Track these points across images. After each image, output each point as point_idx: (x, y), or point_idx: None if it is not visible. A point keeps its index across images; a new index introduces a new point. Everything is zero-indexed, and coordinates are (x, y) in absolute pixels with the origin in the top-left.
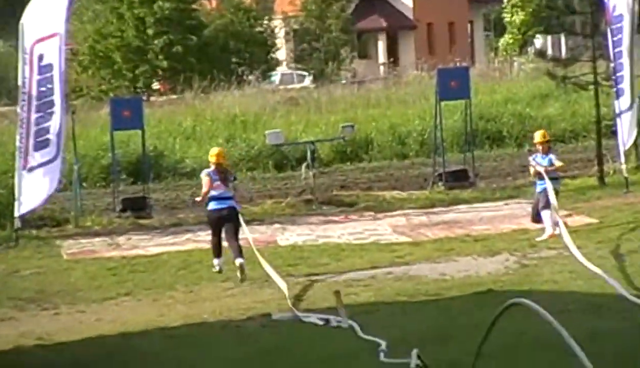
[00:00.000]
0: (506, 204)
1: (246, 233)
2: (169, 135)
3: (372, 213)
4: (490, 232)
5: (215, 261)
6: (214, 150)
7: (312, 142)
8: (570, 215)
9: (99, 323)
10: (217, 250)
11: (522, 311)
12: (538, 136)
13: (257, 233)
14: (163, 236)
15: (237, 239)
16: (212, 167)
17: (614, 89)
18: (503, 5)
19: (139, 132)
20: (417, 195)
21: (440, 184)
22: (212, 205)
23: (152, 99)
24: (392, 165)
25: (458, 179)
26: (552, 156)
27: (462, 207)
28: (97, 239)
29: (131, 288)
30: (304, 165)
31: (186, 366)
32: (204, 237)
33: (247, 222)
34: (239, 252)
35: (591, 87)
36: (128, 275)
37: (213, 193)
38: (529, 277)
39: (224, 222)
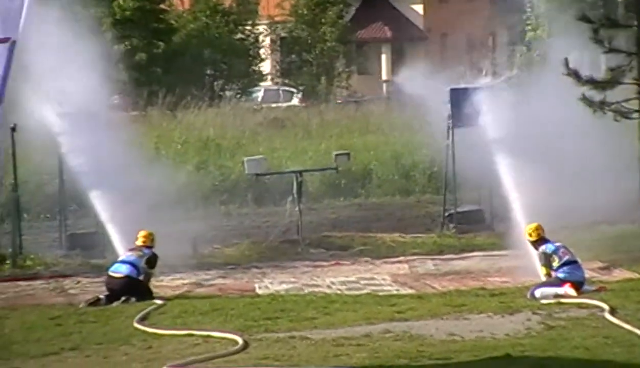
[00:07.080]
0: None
1: None
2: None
3: (368, 258)
4: (509, 286)
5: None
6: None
7: (300, 172)
8: (607, 268)
9: None
10: None
11: None
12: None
13: (231, 280)
14: None
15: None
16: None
17: None
18: (525, 17)
19: None
20: (423, 239)
21: (451, 226)
22: None
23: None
24: (393, 203)
25: (472, 220)
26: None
27: (477, 254)
28: (38, 282)
29: (78, 343)
30: (289, 200)
31: None
32: (168, 282)
33: (220, 266)
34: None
35: (635, 115)
36: (75, 326)
37: None
38: (554, 342)
39: None
